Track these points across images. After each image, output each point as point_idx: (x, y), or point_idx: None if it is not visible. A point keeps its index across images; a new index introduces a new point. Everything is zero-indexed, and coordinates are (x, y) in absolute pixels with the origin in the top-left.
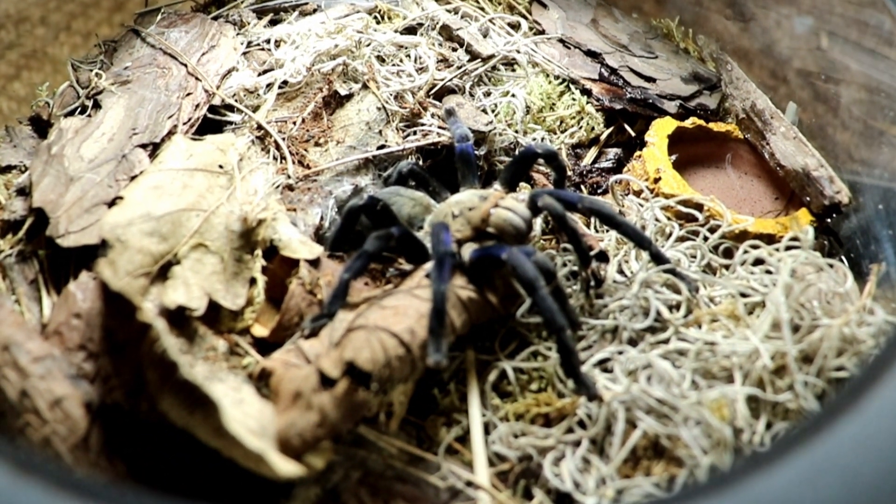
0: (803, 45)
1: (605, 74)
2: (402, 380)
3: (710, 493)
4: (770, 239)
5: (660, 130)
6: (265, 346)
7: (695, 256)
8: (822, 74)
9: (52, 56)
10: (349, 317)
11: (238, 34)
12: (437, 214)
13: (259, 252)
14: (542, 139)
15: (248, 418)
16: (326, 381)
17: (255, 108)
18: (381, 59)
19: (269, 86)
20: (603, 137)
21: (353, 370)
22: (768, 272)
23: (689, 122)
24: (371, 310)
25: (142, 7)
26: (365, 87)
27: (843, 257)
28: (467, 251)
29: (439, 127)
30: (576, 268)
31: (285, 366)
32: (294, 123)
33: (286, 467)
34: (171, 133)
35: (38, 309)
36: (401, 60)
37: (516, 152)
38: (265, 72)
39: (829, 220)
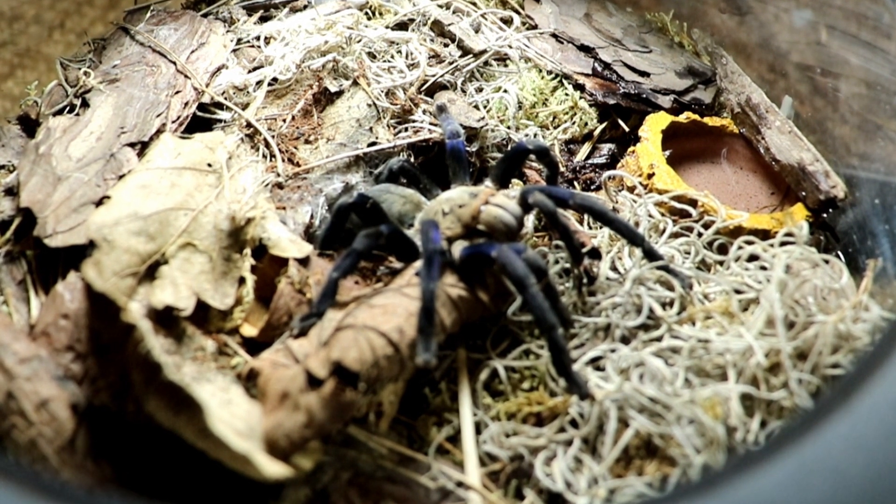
0: (802, 38)
1: (599, 69)
2: (391, 379)
3: (697, 494)
4: (765, 234)
5: (654, 125)
6: (254, 346)
7: (688, 253)
8: (821, 68)
9: (46, 55)
10: (338, 316)
11: (228, 31)
12: (428, 212)
13: (248, 251)
14: (535, 135)
15: (235, 419)
16: (314, 382)
17: (245, 106)
18: (371, 56)
19: (259, 83)
20: (596, 133)
21: (341, 370)
22: (763, 268)
23: (684, 117)
24: (360, 309)
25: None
26: (355, 83)
27: (839, 253)
28: (457, 249)
29: (431, 123)
30: (568, 265)
31: (273, 366)
32: (284, 121)
33: (272, 468)
34: (159, 131)
35: (27, 309)
36: (392, 56)
37: (508, 148)
38: (255, 69)
39: (825, 214)
